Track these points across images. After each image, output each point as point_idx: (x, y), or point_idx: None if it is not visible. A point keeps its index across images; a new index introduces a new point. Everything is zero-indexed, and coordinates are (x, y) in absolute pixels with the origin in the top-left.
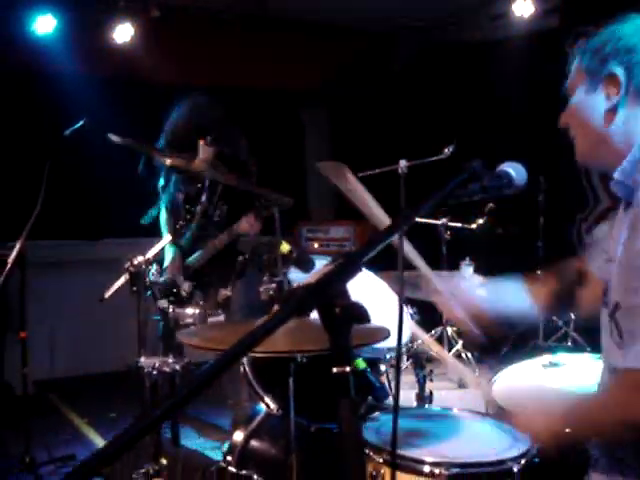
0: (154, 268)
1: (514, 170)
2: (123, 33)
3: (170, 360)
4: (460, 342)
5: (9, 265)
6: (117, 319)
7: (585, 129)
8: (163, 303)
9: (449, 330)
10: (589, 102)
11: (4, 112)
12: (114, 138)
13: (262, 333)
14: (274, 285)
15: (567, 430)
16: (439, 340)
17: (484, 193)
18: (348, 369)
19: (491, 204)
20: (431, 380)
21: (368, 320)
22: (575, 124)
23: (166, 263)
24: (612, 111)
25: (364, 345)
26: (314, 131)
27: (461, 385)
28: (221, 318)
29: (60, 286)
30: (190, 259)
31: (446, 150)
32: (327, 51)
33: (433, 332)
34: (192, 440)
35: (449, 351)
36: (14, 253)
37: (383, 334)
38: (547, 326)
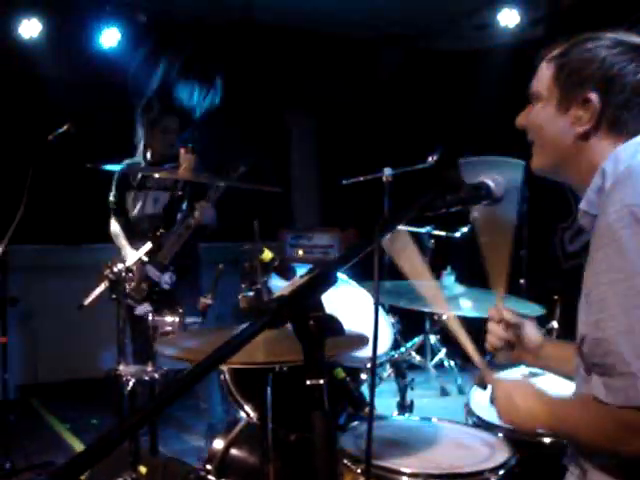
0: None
1: (492, 181)
2: (110, 38)
3: (149, 368)
4: (443, 350)
5: None
6: (100, 324)
7: (549, 145)
8: (145, 308)
9: (432, 338)
10: (559, 122)
11: None
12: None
13: (236, 345)
14: (252, 293)
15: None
16: (421, 348)
17: (462, 204)
18: (322, 382)
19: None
20: (412, 389)
21: (342, 333)
22: (538, 136)
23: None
24: (581, 137)
25: (342, 352)
26: (300, 137)
27: (443, 393)
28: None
29: (43, 291)
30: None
31: (430, 158)
32: (313, 58)
33: (416, 340)
34: (171, 444)
35: (432, 359)
36: None
37: (361, 342)
38: None
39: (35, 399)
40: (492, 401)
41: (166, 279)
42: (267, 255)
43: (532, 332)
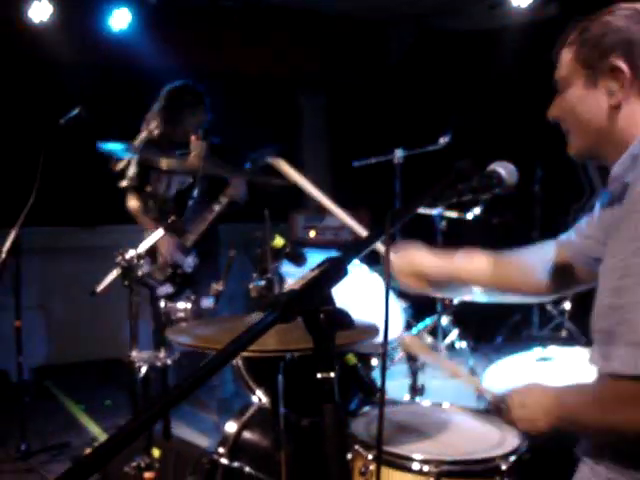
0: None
1: (504, 169)
2: (120, 20)
3: (161, 355)
4: (455, 332)
5: (4, 255)
6: (114, 305)
7: (584, 125)
8: (166, 289)
9: (444, 320)
10: (589, 97)
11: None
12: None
13: (247, 340)
14: (264, 282)
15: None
16: (433, 329)
17: (474, 193)
18: (332, 375)
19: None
20: (423, 372)
21: (353, 326)
22: (572, 119)
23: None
24: (615, 107)
25: (353, 343)
26: (311, 117)
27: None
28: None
29: (57, 273)
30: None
31: (441, 140)
32: (325, 38)
33: (428, 321)
34: (185, 420)
35: (443, 340)
36: (8, 243)
37: (372, 332)
38: (542, 316)
39: (50, 381)
40: (507, 418)
41: (189, 262)
42: (279, 241)
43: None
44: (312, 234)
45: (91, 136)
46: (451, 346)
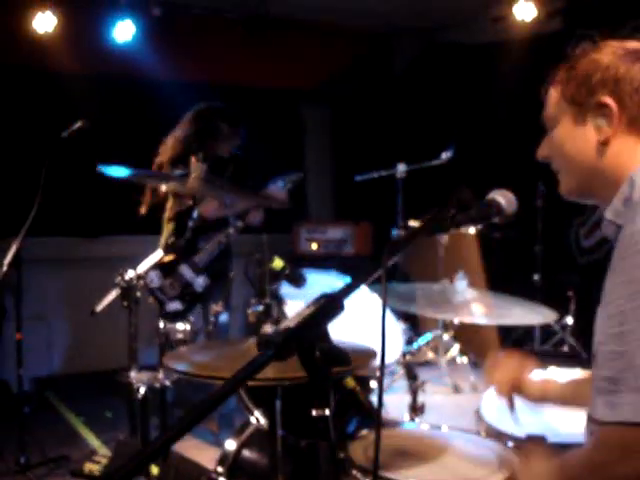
0: (153, 274)
1: (503, 198)
2: (124, 31)
3: (160, 376)
4: (456, 347)
5: (5, 268)
6: (115, 316)
7: (574, 163)
8: (175, 305)
9: (445, 335)
10: (578, 134)
11: (3, 109)
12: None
13: (243, 378)
14: (262, 308)
15: None
16: (435, 345)
17: (473, 223)
18: (327, 412)
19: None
20: (423, 391)
21: (349, 364)
22: (561, 158)
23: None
24: (604, 144)
25: (350, 369)
26: (314, 130)
27: (456, 391)
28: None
29: (58, 283)
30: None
31: (443, 155)
32: (328, 51)
33: (429, 336)
34: (183, 439)
35: (444, 354)
36: (10, 256)
37: (369, 357)
38: (543, 331)
39: (50, 391)
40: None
41: (200, 282)
42: (278, 263)
43: (533, 381)
44: (314, 246)
45: (93, 148)
46: (452, 362)
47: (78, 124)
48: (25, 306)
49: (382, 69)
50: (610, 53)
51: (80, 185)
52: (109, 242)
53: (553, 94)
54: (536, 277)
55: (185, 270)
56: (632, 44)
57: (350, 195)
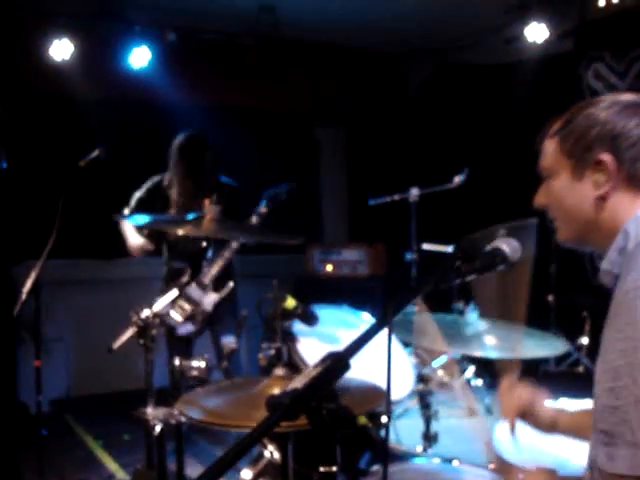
0: (174, 314)
1: (508, 246)
2: (140, 57)
3: (176, 412)
4: (470, 369)
5: (24, 296)
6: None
7: (572, 216)
8: (187, 327)
9: (459, 357)
10: (576, 189)
11: (21, 134)
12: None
13: (254, 439)
14: (273, 351)
15: None
16: (450, 367)
17: (478, 273)
18: (334, 469)
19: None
20: (437, 419)
21: (355, 425)
22: (559, 209)
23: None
24: (602, 199)
25: (360, 410)
26: (329, 152)
27: (470, 413)
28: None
29: (75, 305)
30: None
31: (456, 179)
32: (342, 72)
33: (443, 358)
34: (201, 456)
35: (459, 377)
36: (29, 284)
37: (380, 397)
38: None
39: (69, 414)
40: None
41: (209, 300)
42: (290, 302)
43: (544, 410)
44: (329, 268)
45: (109, 172)
46: (467, 384)
47: (95, 153)
48: (42, 328)
49: (395, 89)
50: (607, 108)
51: (94, 206)
52: (125, 264)
53: (549, 146)
54: (550, 298)
55: (194, 291)
56: (628, 97)
57: (364, 217)
